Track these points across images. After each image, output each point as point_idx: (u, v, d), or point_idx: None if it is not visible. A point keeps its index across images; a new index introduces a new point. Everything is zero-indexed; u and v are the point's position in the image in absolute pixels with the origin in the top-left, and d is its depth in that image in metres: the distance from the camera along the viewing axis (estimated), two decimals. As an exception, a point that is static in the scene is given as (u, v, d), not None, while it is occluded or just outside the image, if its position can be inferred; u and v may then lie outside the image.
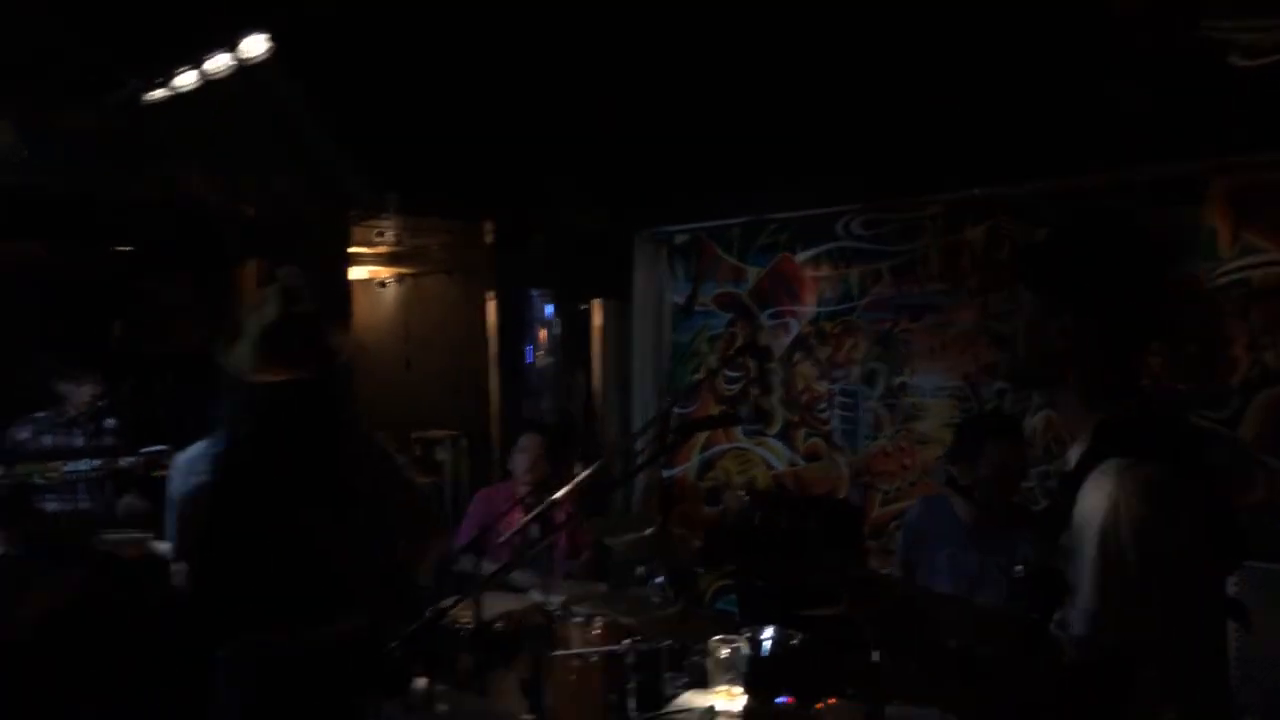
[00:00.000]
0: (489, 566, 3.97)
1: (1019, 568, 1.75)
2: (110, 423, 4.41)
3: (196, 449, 2.76)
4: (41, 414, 4.40)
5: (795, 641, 2.36)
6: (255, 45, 3.73)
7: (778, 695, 2.37)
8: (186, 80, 4.02)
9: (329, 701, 2.80)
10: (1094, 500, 1.59)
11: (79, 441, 4.21)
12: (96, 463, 4.16)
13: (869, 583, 1.84)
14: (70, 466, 4.08)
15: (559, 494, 3.30)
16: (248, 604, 2.75)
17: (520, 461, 4.77)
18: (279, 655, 2.73)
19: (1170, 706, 1.60)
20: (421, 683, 2.81)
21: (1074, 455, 1.73)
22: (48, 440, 4.28)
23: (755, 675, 2.39)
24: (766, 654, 1.90)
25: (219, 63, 3.88)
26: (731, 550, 1.67)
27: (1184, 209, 3.91)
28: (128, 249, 5.20)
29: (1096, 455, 1.64)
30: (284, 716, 2.75)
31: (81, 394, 4.43)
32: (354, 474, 2.90)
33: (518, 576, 4.47)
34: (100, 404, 4.33)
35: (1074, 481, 1.67)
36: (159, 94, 4.08)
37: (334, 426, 2.91)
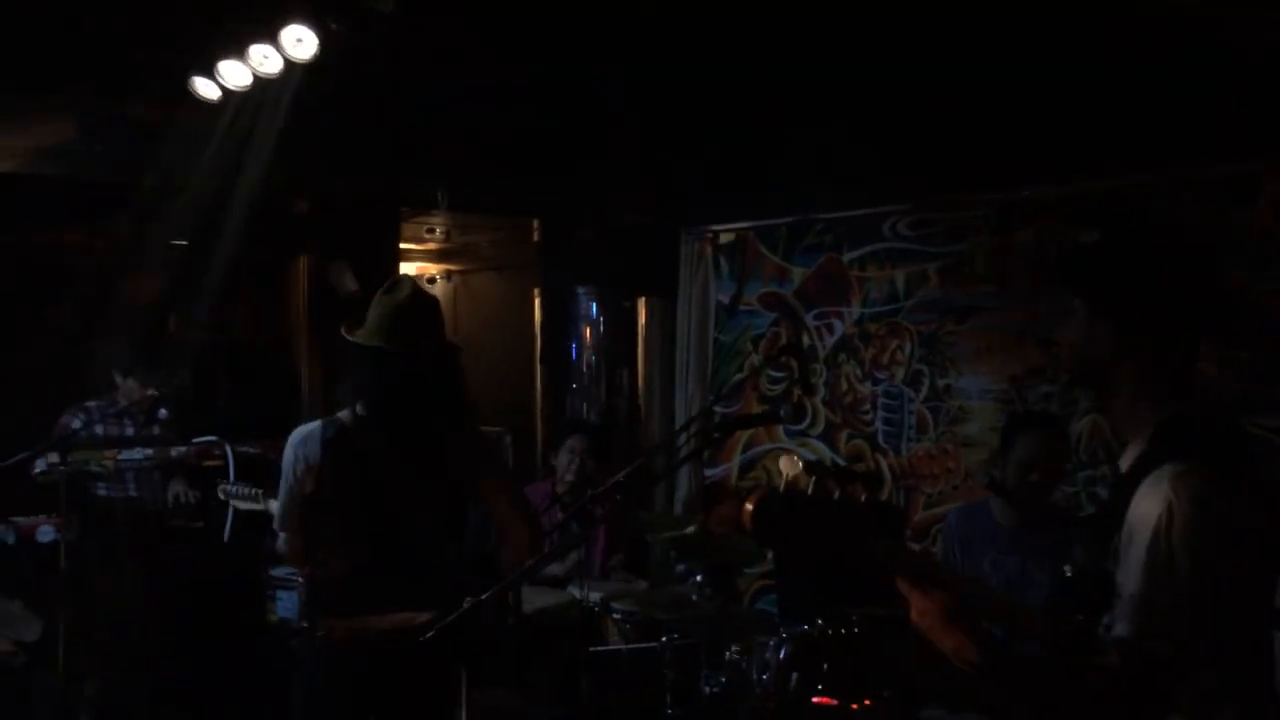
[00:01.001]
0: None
1: (1068, 569, 1.74)
2: (163, 413, 4.50)
3: (311, 426, 2.87)
4: (92, 403, 4.50)
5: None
6: (308, 42, 3.78)
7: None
8: (241, 80, 4.08)
9: (411, 686, 2.85)
10: (1148, 504, 1.59)
11: (130, 431, 4.30)
12: (149, 452, 4.26)
13: (922, 565, 1.83)
14: (124, 455, 4.18)
15: (598, 490, 3.32)
16: (346, 582, 2.83)
17: (567, 461, 4.81)
18: (366, 638, 2.79)
19: (1226, 709, 1.59)
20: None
21: (1128, 459, 1.73)
22: (99, 430, 4.38)
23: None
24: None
25: (272, 61, 3.94)
26: (784, 518, 1.67)
27: (1237, 211, 3.84)
28: (183, 242, 5.29)
29: (1152, 459, 1.64)
30: (358, 697, 2.80)
31: (137, 388, 4.52)
32: (464, 463, 2.99)
33: (557, 572, 4.50)
34: (153, 395, 4.42)
35: (1128, 485, 1.67)
36: (214, 89, 4.15)
37: (453, 409, 3.01)
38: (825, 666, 2.81)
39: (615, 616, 4.00)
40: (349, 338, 2.88)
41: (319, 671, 2.87)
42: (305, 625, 2.90)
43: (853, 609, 2.83)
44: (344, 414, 2.90)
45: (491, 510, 3.10)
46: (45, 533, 4.15)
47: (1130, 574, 1.60)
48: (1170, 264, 1.76)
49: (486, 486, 3.07)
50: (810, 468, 1.69)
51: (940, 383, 4.79)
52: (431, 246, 7.36)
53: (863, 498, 1.68)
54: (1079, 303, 1.79)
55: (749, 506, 1.59)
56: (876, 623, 2.84)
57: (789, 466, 1.75)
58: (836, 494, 1.68)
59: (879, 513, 1.73)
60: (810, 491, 1.67)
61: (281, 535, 2.94)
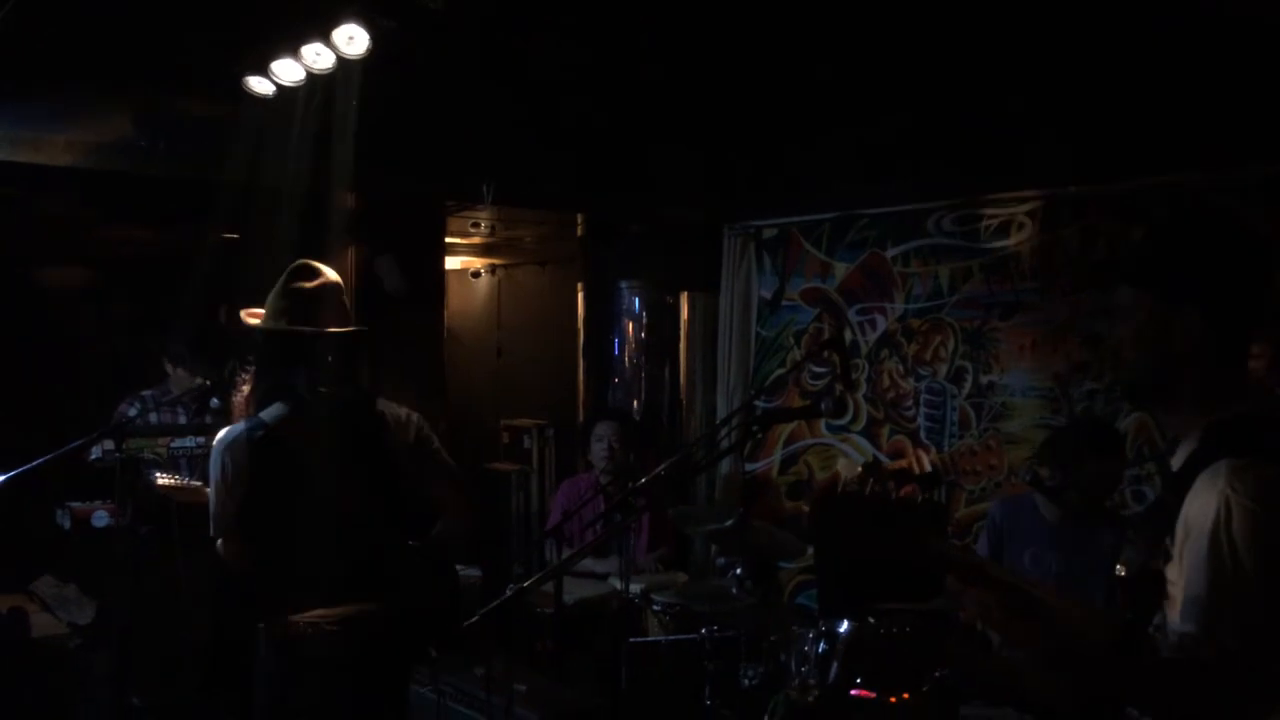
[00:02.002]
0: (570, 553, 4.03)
1: (1120, 569, 1.73)
2: (215, 403, 4.59)
3: (236, 430, 2.87)
4: (147, 392, 4.60)
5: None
6: (359, 39, 3.83)
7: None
8: (293, 75, 4.15)
9: (366, 675, 2.88)
10: (1204, 500, 1.57)
11: (183, 419, 4.39)
12: (201, 440, 4.34)
13: (979, 564, 1.84)
14: (176, 443, 4.26)
15: (639, 483, 3.35)
16: (288, 578, 2.84)
17: (599, 450, 4.84)
18: (319, 630, 2.80)
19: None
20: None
21: (1181, 456, 1.70)
22: (153, 418, 4.48)
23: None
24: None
25: (324, 58, 4.00)
26: (843, 516, 1.69)
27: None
28: (235, 235, 5.39)
29: (1207, 456, 1.61)
30: (323, 689, 2.82)
31: (187, 376, 4.61)
32: (392, 449, 2.99)
33: (598, 564, 4.54)
34: (204, 384, 4.51)
35: (1182, 482, 1.64)
36: (268, 86, 4.22)
37: (364, 394, 3.01)
38: (867, 660, 2.81)
39: (655, 608, 4.03)
40: (261, 326, 2.90)
41: (280, 669, 2.85)
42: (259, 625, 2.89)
43: (893, 604, 2.83)
44: (267, 413, 2.89)
45: (426, 488, 3.10)
46: (100, 518, 4.24)
47: (1190, 572, 1.57)
48: (1238, 251, 1.71)
49: (418, 465, 3.06)
50: (869, 469, 1.72)
51: (983, 379, 4.77)
52: (476, 240, 7.42)
53: (919, 499, 1.70)
54: (1145, 299, 1.73)
55: (807, 506, 1.62)
56: (921, 617, 2.85)
57: (847, 468, 1.78)
58: (894, 495, 1.70)
59: (932, 513, 1.75)
60: (868, 492, 1.70)
61: (219, 541, 2.94)
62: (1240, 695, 1.54)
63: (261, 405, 2.92)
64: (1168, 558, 1.64)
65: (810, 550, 4.90)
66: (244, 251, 5.72)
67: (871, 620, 2.55)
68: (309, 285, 2.93)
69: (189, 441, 4.13)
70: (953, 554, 1.85)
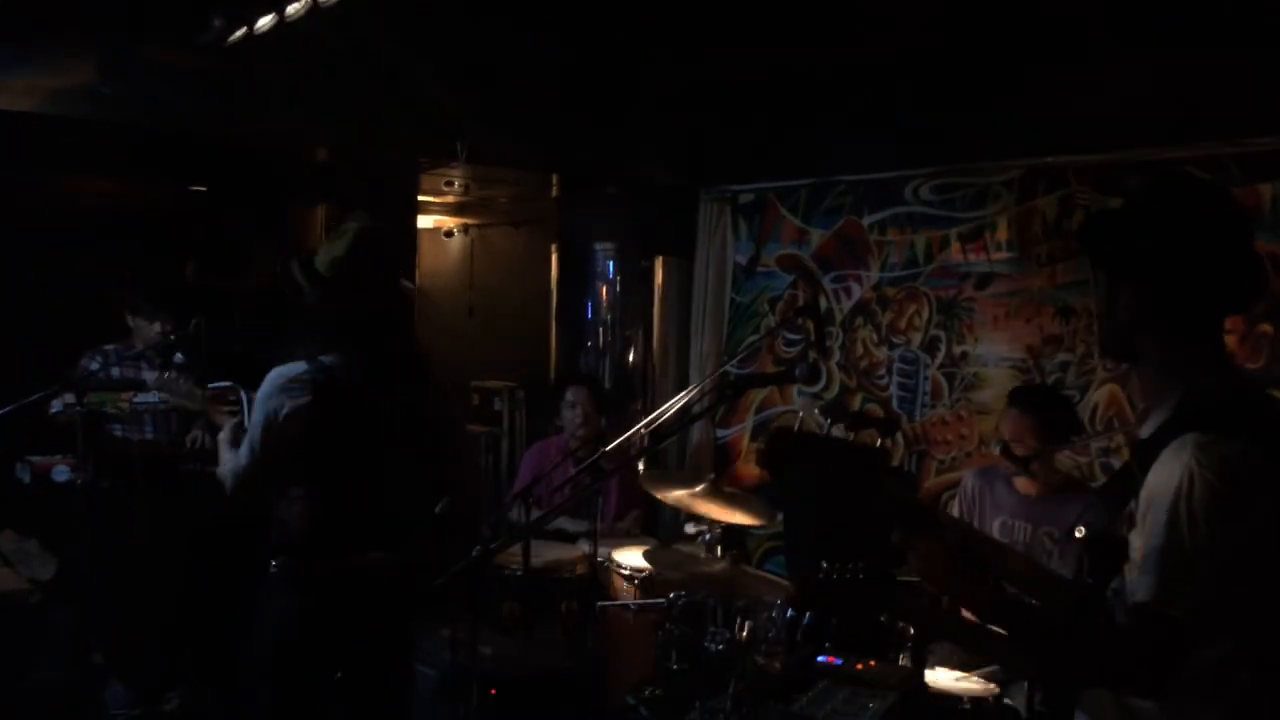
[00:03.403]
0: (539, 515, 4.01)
1: (1080, 531, 1.73)
2: (179, 358, 4.51)
3: (295, 369, 2.83)
4: (111, 346, 4.52)
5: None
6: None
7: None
8: (265, 21, 4.05)
9: (365, 625, 2.89)
10: (1169, 471, 1.58)
11: (146, 375, 4.32)
12: (164, 395, 4.27)
13: (924, 508, 1.83)
14: (139, 398, 4.19)
15: (609, 446, 3.33)
16: (316, 522, 2.84)
17: (570, 415, 4.81)
18: (330, 574, 2.82)
19: (1238, 677, 1.59)
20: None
21: (1151, 426, 1.71)
22: (116, 372, 4.40)
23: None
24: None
25: (297, 6, 3.91)
26: (794, 454, 1.68)
27: (1266, 185, 3.79)
28: (202, 188, 5.30)
29: (1175, 428, 1.62)
30: (323, 633, 2.84)
31: (151, 329, 4.54)
32: (427, 409, 2.99)
33: (567, 527, 4.52)
34: (170, 339, 4.44)
35: (1149, 451, 1.65)
36: (238, 34, 4.12)
37: (414, 353, 3.01)
38: (832, 623, 2.82)
39: (623, 573, 4.03)
40: (319, 281, 2.86)
41: (293, 611, 2.87)
42: (276, 565, 2.88)
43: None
44: (326, 359, 2.86)
45: (452, 458, 3.12)
46: (60, 472, 4.18)
47: (1148, 540, 1.59)
48: (1201, 224, 1.70)
49: (457, 435, 3.12)
50: (826, 410, 1.71)
51: (957, 349, 4.77)
52: (450, 199, 7.33)
53: (877, 443, 1.69)
54: (1100, 270, 1.76)
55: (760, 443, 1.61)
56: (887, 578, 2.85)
57: (806, 408, 1.77)
58: (851, 436, 1.69)
59: (880, 455, 1.74)
60: (825, 432, 1.69)
61: (232, 463, 2.90)
62: (1177, 663, 1.56)
63: (301, 352, 2.90)
64: (1131, 524, 1.65)
65: (779, 517, 4.91)
66: (212, 205, 5.64)
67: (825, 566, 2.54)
68: (380, 248, 2.94)
69: (151, 397, 4.06)
70: (906, 499, 1.84)
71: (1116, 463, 4.12)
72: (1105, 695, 1.69)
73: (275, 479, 2.88)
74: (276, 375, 2.84)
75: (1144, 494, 1.62)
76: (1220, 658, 1.58)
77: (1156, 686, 1.58)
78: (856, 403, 5.08)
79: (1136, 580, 1.60)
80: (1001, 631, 1.75)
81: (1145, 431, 1.72)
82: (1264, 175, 3.82)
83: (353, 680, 2.89)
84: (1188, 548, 1.53)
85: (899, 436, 4.70)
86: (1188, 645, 1.55)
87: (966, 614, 1.92)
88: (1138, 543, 1.63)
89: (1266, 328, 3.68)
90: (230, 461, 2.93)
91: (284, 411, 2.79)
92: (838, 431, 1.68)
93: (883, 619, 2.88)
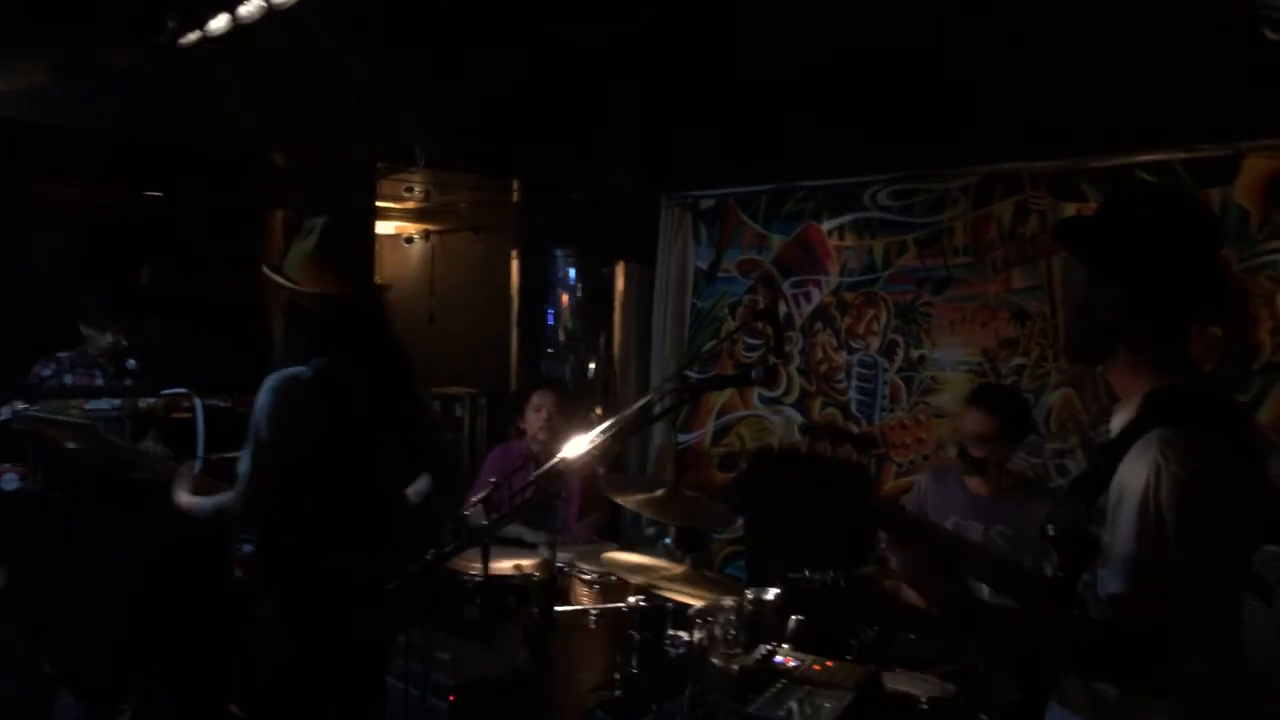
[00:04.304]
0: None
1: (1050, 528, 1.77)
2: (131, 364, 4.46)
3: (294, 373, 2.76)
4: (65, 353, 4.45)
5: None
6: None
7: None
8: (220, 24, 4.02)
9: (364, 634, 2.86)
10: (1137, 467, 1.62)
11: (100, 381, 4.26)
12: (117, 403, 4.21)
13: (911, 519, 1.86)
14: (92, 405, 4.13)
15: (570, 451, 3.31)
16: (318, 530, 2.78)
17: (534, 420, 4.79)
18: (330, 582, 2.76)
19: (1195, 661, 1.62)
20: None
21: (1118, 423, 1.75)
22: (69, 379, 4.34)
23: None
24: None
25: (251, 7, 3.88)
26: (777, 470, 1.72)
27: (1215, 190, 3.85)
28: (158, 193, 5.24)
29: (1143, 424, 1.66)
30: (323, 645, 2.79)
31: (105, 335, 4.47)
32: (415, 403, 2.98)
33: (527, 532, 4.51)
34: (123, 345, 4.38)
35: (1117, 448, 1.69)
36: (194, 37, 4.08)
37: (398, 345, 2.98)
38: (790, 625, 2.83)
39: (584, 577, 4.01)
40: (306, 289, 2.81)
41: (302, 622, 2.81)
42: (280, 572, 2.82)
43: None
44: (316, 363, 2.80)
45: (430, 452, 3.09)
46: (9, 481, 4.10)
47: (1119, 535, 1.63)
48: (1182, 230, 1.75)
49: (431, 432, 3.08)
50: (804, 428, 1.74)
51: (915, 353, 4.81)
52: (410, 205, 7.31)
53: (854, 458, 1.72)
54: (1080, 268, 1.80)
55: (745, 465, 1.63)
56: (853, 579, 2.86)
57: (784, 429, 1.79)
58: (830, 452, 1.73)
59: (864, 472, 1.78)
60: (804, 449, 1.73)
61: (242, 481, 2.79)
62: (1158, 653, 1.59)
63: (291, 360, 2.82)
64: (1101, 520, 1.69)
65: (740, 522, 4.92)
66: (168, 211, 5.57)
67: (806, 574, 2.56)
68: (349, 243, 2.96)
69: (104, 404, 4.01)
70: (891, 510, 1.88)
71: (1071, 464, 4.17)
72: (1075, 683, 1.73)
73: (292, 487, 2.80)
74: (278, 386, 2.75)
75: (1113, 490, 1.66)
76: (1182, 645, 1.61)
77: (1135, 676, 1.62)
78: (816, 407, 5.09)
79: (1109, 573, 1.64)
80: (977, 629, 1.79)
81: (1114, 429, 1.76)
82: (1213, 181, 3.89)
83: (347, 688, 2.86)
84: (1158, 540, 1.57)
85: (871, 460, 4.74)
86: (1162, 637, 1.58)
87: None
88: (1108, 538, 1.66)
89: (1216, 330, 3.74)
90: (208, 502, 2.87)
91: (293, 423, 2.72)
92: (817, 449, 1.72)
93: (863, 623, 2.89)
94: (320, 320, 2.82)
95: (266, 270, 2.87)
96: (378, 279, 6.72)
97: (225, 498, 2.85)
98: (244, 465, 2.75)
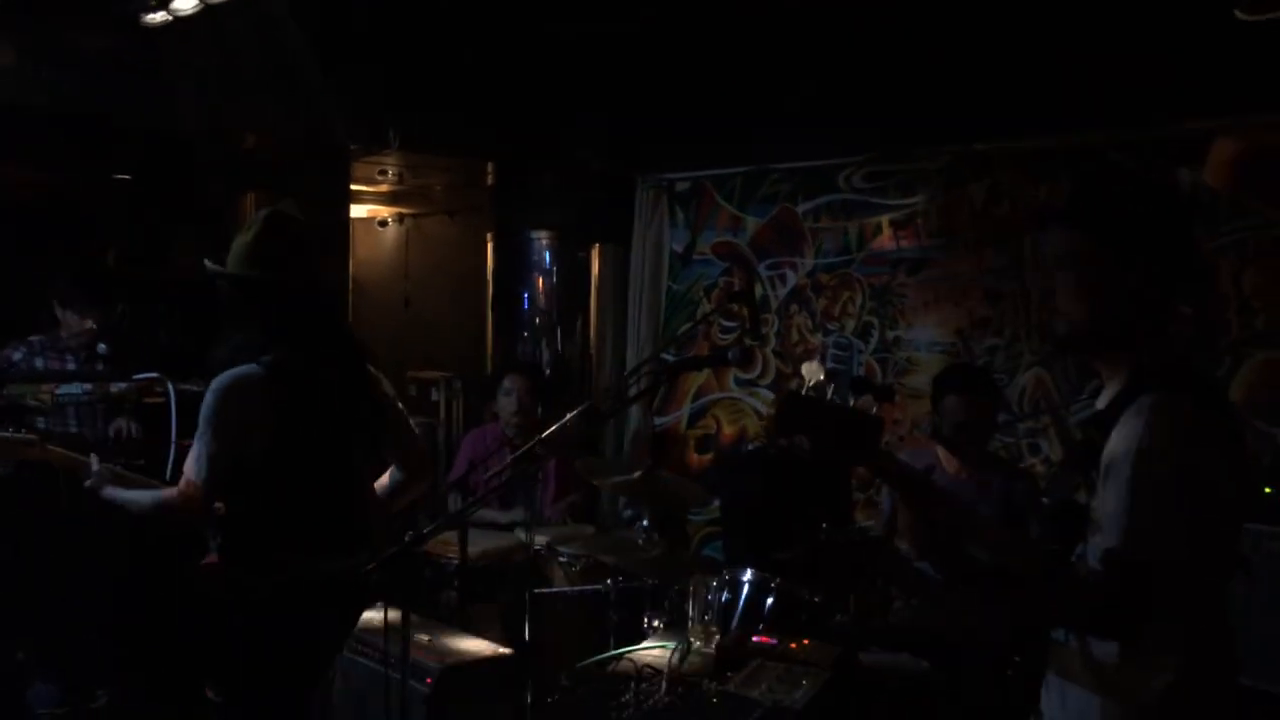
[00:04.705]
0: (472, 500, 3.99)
1: (1045, 500, 1.79)
2: (103, 348, 4.42)
3: (246, 376, 2.65)
4: (35, 338, 4.40)
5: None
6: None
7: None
8: (187, 4, 3.98)
9: (330, 629, 2.83)
10: (1127, 431, 1.64)
11: (71, 366, 4.21)
12: (88, 387, 4.17)
13: (926, 481, 1.88)
14: (62, 390, 4.09)
15: (544, 434, 3.31)
16: (281, 530, 2.71)
17: (506, 403, 4.78)
18: (294, 583, 2.69)
19: (1175, 630, 1.65)
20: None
21: (1106, 397, 1.77)
22: (40, 363, 4.29)
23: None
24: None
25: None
26: (804, 417, 1.71)
27: (1182, 170, 3.89)
28: (126, 177, 5.17)
29: (1130, 395, 1.68)
30: (289, 642, 2.73)
31: (75, 319, 4.42)
32: (374, 394, 2.90)
33: (504, 516, 4.51)
34: (93, 330, 4.33)
35: (1108, 419, 1.71)
36: (162, 18, 4.04)
37: (351, 337, 2.92)
38: (769, 605, 2.85)
39: (561, 559, 4.02)
40: (245, 275, 2.70)
41: (270, 617, 2.72)
42: (237, 571, 2.74)
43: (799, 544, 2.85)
44: (266, 360, 2.69)
45: (395, 441, 3.00)
46: (-21, 465, 4.06)
47: (1110, 495, 1.65)
48: (1168, 208, 1.78)
49: (394, 420, 2.98)
50: (831, 375, 1.75)
51: (890, 334, 4.83)
52: (384, 188, 7.25)
53: (874, 409, 1.73)
54: (1083, 245, 1.75)
55: (771, 407, 1.64)
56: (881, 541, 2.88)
57: (810, 371, 1.79)
58: (852, 402, 1.74)
59: (881, 425, 1.78)
60: (829, 397, 1.73)
61: (191, 482, 2.67)
62: (1149, 604, 1.62)
63: (239, 357, 2.71)
64: (1092, 491, 1.71)
65: (716, 503, 4.94)
66: (136, 193, 5.50)
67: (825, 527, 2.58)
68: (296, 234, 2.77)
69: (75, 388, 3.97)
70: (906, 468, 1.89)
71: (1043, 443, 4.21)
72: (1071, 650, 1.75)
73: (230, 489, 2.72)
74: (226, 385, 2.65)
75: (1105, 457, 1.68)
76: (1176, 604, 1.64)
77: (1128, 628, 1.65)
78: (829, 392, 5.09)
79: (1103, 531, 1.66)
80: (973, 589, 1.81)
81: (1102, 402, 1.78)
82: (1182, 160, 3.92)
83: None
84: (1150, 496, 1.60)
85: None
86: (1156, 588, 1.61)
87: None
88: (1099, 504, 1.69)
89: (1186, 310, 3.78)
90: (144, 495, 2.78)
91: (243, 421, 2.63)
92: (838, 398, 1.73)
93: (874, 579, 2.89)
94: (265, 312, 2.72)
95: (208, 263, 2.76)
96: (351, 264, 6.68)
97: (167, 494, 2.75)
98: (190, 466, 2.67)
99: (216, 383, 2.66)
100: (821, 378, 1.74)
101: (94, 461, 2.87)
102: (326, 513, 2.74)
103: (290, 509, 2.71)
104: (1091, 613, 1.68)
